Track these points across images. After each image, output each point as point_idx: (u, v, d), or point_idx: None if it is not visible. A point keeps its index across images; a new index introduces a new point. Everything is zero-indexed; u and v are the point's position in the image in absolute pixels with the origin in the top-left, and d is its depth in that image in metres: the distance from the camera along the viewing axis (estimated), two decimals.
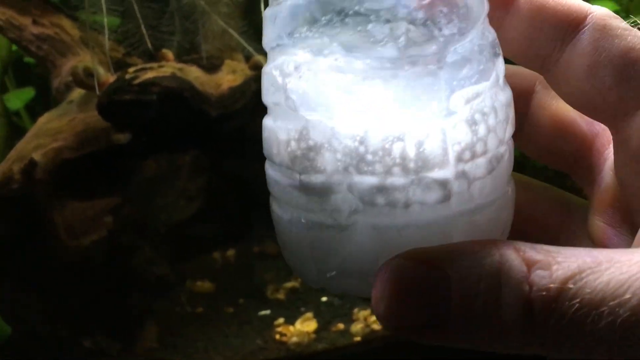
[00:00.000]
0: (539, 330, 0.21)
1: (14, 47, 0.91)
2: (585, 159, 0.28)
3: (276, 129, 0.24)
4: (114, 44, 0.76)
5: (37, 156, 0.68)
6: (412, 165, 0.23)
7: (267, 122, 0.25)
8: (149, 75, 0.69)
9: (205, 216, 0.95)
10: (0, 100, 0.88)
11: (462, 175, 0.24)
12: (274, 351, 0.90)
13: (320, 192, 0.23)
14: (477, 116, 0.24)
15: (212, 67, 0.75)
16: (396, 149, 0.23)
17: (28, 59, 0.97)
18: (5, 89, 0.96)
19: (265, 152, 0.26)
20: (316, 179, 0.23)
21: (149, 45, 0.70)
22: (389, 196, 0.23)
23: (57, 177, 0.71)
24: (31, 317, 0.80)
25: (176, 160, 0.94)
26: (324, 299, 0.97)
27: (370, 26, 0.23)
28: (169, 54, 0.74)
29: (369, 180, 0.23)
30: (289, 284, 0.98)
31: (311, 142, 0.23)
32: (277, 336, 0.91)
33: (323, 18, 0.23)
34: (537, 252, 0.22)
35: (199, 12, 0.74)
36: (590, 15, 0.26)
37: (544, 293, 0.21)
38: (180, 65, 0.74)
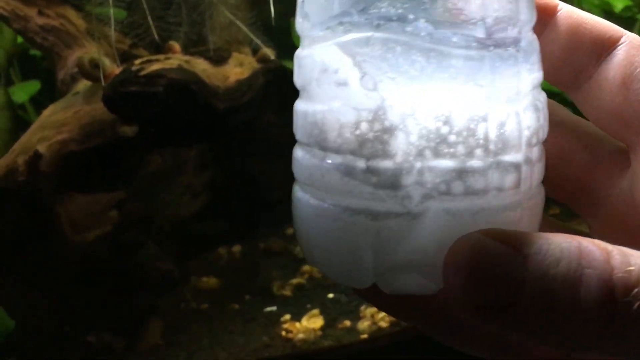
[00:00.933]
0: (619, 317, 0.21)
1: (20, 39, 0.90)
2: (586, 186, 0.28)
3: (336, 112, 0.23)
4: (120, 36, 0.75)
5: (41, 148, 0.67)
6: (492, 147, 0.23)
7: (316, 106, 0.24)
8: (156, 67, 0.68)
9: (210, 212, 0.94)
10: (6, 92, 0.87)
11: (528, 160, 0.24)
12: (280, 348, 0.89)
13: (390, 178, 0.22)
14: (538, 103, 0.24)
15: (219, 59, 0.74)
16: (480, 130, 0.22)
17: (34, 52, 0.96)
18: (10, 82, 0.95)
19: (311, 138, 0.24)
20: (386, 164, 0.22)
21: (156, 36, 0.69)
22: (467, 180, 0.22)
23: (62, 170, 0.70)
24: (35, 312, 0.79)
25: (181, 155, 0.93)
26: (331, 295, 0.96)
27: (461, 3, 0.22)
28: (175, 45, 0.73)
29: (447, 163, 0.22)
30: (295, 280, 0.97)
31: (387, 124, 0.22)
32: (283, 333, 0.90)
33: None
34: (608, 244, 0.22)
35: (206, 3, 0.73)
36: (626, 35, 0.26)
37: (625, 275, 0.21)
38: (187, 57, 0.73)
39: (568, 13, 0.27)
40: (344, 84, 0.23)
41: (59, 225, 0.73)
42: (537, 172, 0.25)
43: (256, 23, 0.79)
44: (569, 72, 0.27)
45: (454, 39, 0.22)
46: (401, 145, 0.22)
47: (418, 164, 0.22)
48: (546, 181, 0.26)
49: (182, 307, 0.91)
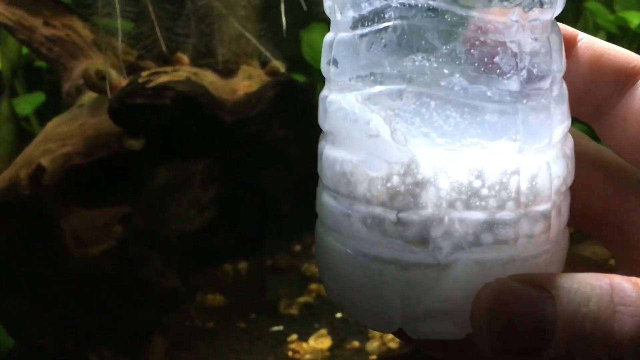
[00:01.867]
0: None
1: (25, 50, 0.89)
2: (612, 218, 0.27)
3: (367, 163, 0.23)
4: (127, 47, 0.74)
5: (45, 162, 0.65)
6: (523, 199, 0.23)
7: (345, 155, 0.24)
8: (163, 79, 0.66)
9: (217, 227, 0.92)
10: (10, 104, 0.85)
11: (557, 207, 0.24)
12: None
13: (421, 230, 0.23)
14: (567, 150, 0.24)
15: (227, 72, 0.73)
16: (513, 183, 0.23)
17: (39, 63, 0.95)
18: (15, 94, 0.94)
19: (340, 187, 0.24)
20: (417, 216, 0.23)
21: (164, 48, 0.67)
22: (497, 231, 0.23)
23: (66, 183, 0.68)
24: (36, 329, 0.77)
25: (188, 169, 0.91)
26: (339, 315, 0.94)
27: (497, 58, 0.22)
28: (183, 57, 0.71)
29: (478, 215, 0.23)
30: (303, 299, 0.95)
31: (419, 177, 0.22)
32: (290, 353, 0.88)
33: (444, 47, 0.22)
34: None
35: (215, 14, 0.71)
36: None
37: None
38: (195, 69, 0.71)
39: (589, 43, 0.27)
40: (375, 136, 0.23)
41: (62, 240, 0.71)
42: (564, 216, 0.25)
43: (266, 35, 0.78)
44: (590, 104, 0.27)
45: (489, 94, 0.22)
46: (432, 198, 0.22)
47: (448, 216, 0.22)
48: (571, 213, 0.25)
49: (186, 325, 0.89)
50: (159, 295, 0.75)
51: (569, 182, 0.25)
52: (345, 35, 0.24)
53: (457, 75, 0.22)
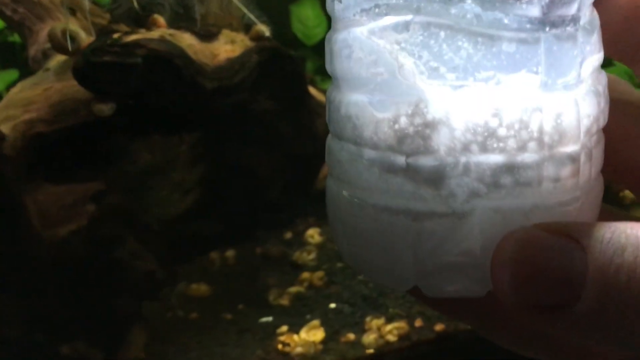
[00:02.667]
0: None
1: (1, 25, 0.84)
2: None
3: (373, 105, 0.21)
4: (100, 10, 0.68)
5: (5, 129, 0.59)
6: (547, 139, 0.21)
7: (350, 97, 0.22)
8: (134, 37, 0.60)
9: (202, 211, 0.87)
10: None
11: (587, 150, 0.22)
12: None
13: (432, 176, 0.21)
14: (599, 87, 0.23)
15: (208, 35, 0.67)
16: (534, 122, 0.21)
17: (13, 38, 0.90)
18: None
19: (346, 132, 0.22)
20: (428, 160, 0.21)
21: (135, 4, 0.61)
22: (518, 175, 0.21)
23: (30, 154, 0.62)
24: (0, 319, 0.71)
25: (171, 150, 0.86)
26: (333, 305, 0.87)
27: None
28: (160, 19, 0.66)
29: (495, 158, 0.21)
30: (294, 289, 0.89)
31: (429, 117, 0.21)
32: (280, 346, 0.82)
33: None
34: None
35: None
36: None
37: None
38: (171, 31, 0.65)
39: None
40: (380, 74, 0.21)
41: (26, 219, 0.65)
42: (596, 161, 0.23)
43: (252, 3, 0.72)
44: (631, 44, 0.25)
45: (505, 21, 0.21)
46: (444, 140, 0.21)
47: (463, 160, 0.21)
48: (608, 167, 0.24)
49: (168, 316, 0.83)
50: (135, 280, 0.69)
51: (602, 122, 0.23)
52: None
53: (469, 0, 0.21)
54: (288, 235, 0.96)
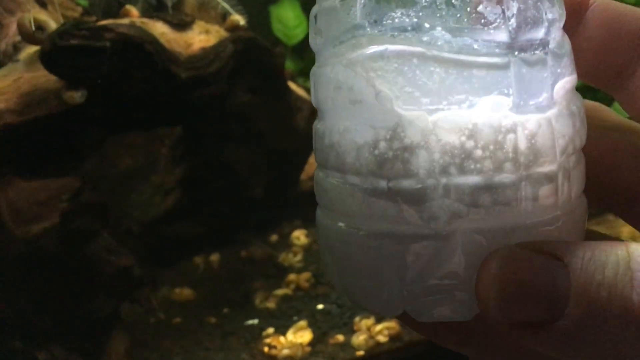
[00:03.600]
0: None
1: None
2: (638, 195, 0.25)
3: (352, 131, 0.22)
4: (72, 3, 0.67)
5: None
6: (523, 159, 0.21)
7: (332, 126, 0.23)
8: (103, 22, 0.59)
9: (184, 212, 0.85)
10: None
11: (564, 170, 0.22)
12: None
13: (414, 199, 0.21)
14: (574, 108, 0.23)
15: (181, 24, 0.66)
16: (509, 142, 0.21)
17: None
18: None
19: (330, 160, 0.23)
20: (409, 184, 0.21)
21: None
22: (497, 196, 0.21)
23: None
24: None
25: (152, 154, 0.84)
26: (320, 306, 0.85)
27: (480, 7, 0.21)
28: (132, 10, 0.65)
29: (473, 179, 0.21)
30: (281, 291, 0.87)
31: (407, 141, 0.21)
32: (266, 349, 0.80)
33: (423, 0, 0.22)
34: None
35: None
36: None
37: None
38: (143, 19, 0.64)
39: (602, 6, 0.25)
40: (359, 102, 0.22)
41: None
42: (577, 181, 0.23)
43: None
44: (609, 71, 0.25)
45: (475, 46, 0.21)
46: (423, 163, 0.21)
47: (443, 182, 0.21)
48: (594, 191, 0.24)
49: (151, 321, 0.80)
50: (111, 276, 0.67)
51: (579, 143, 0.23)
52: (326, 3, 0.23)
53: (439, 28, 0.21)
54: (274, 237, 0.94)
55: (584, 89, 0.25)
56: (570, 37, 0.24)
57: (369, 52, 0.22)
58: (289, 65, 0.95)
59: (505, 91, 0.21)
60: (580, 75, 0.24)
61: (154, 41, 0.61)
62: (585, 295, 0.19)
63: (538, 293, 0.20)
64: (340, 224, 0.23)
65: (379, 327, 0.82)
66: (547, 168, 0.22)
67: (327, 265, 0.24)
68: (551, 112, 0.22)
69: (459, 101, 0.21)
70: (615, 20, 0.25)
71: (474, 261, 0.21)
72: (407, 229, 0.22)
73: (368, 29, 0.22)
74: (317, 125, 0.24)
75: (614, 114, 0.26)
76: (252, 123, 0.78)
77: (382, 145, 0.21)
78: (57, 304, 0.70)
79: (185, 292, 0.84)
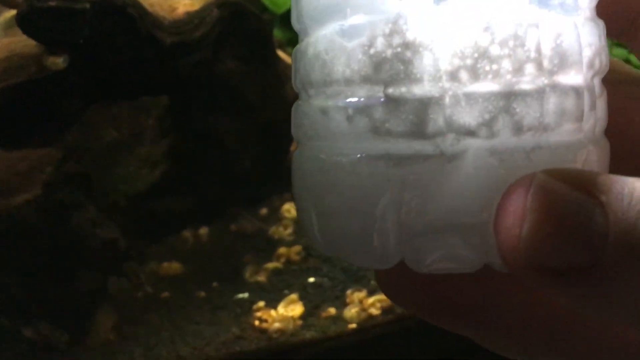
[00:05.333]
0: None
1: None
2: None
3: (343, 34, 0.19)
4: None
5: None
6: (546, 63, 0.18)
7: (320, 32, 0.20)
8: None
9: (171, 185, 0.83)
10: None
11: (590, 88, 0.20)
12: (253, 340, 0.77)
13: (416, 109, 0.18)
14: (599, 22, 0.20)
15: None
16: (531, 39, 0.18)
17: None
18: None
19: (314, 76, 0.19)
20: (411, 91, 0.18)
21: None
22: (517, 107, 0.18)
23: None
24: None
25: (139, 125, 0.82)
26: (312, 279, 0.84)
27: None
28: None
29: (489, 86, 0.18)
30: (271, 265, 0.85)
31: (410, 36, 0.18)
32: (257, 322, 0.78)
33: None
34: None
35: None
36: None
37: None
38: None
39: None
40: None
41: None
42: (601, 112, 0.20)
43: None
44: (622, 20, 0.23)
45: None
46: (428, 64, 0.18)
47: (452, 89, 0.18)
48: (615, 154, 0.21)
49: (138, 296, 0.79)
50: (96, 250, 0.65)
51: (605, 62, 0.20)
52: None
53: None
54: (264, 211, 0.93)
55: None
56: None
57: None
58: (277, 33, 0.93)
59: None
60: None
61: (136, 4, 0.59)
62: (626, 241, 0.17)
63: (577, 234, 0.17)
64: (323, 155, 0.20)
65: (371, 299, 0.81)
66: (574, 79, 0.19)
67: (305, 217, 0.21)
68: (577, 17, 0.20)
69: None
70: None
71: (487, 188, 0.18)
72: (407, 147, 0.18)
73: None
74: (298, 47, 0.20)
75: (627, 67, 0.24)
76: (240, 92, 0.76)
77: (380, 42, 0.18)
78: (41, 278, 0.69)
79: (173, 267, 0.83)
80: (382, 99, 0.18)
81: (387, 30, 0.18)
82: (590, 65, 0.20)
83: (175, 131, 0.80)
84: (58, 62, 0.56)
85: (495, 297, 0.21)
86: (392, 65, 0.18)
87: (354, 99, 0.19)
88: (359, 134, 0.19)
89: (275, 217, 0.93)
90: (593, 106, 0.20)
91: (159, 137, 0.83)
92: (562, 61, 0.19)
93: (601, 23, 0.21)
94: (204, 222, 0.87)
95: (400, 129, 0.18)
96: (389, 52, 0.18)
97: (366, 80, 0.18)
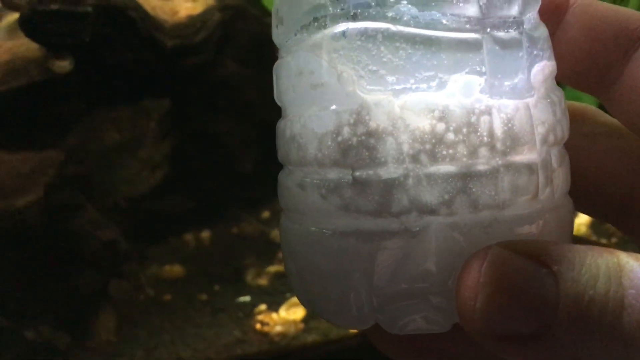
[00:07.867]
0: None
1: None
2: (632, 203, 0.24)
3: (314, 119, 0.20)
4: None
5: None
6: (499, 145, 0.20)
7: (293, 117, 0.21)
8: None
9: (172, 188, 0.83)
10: None
11: (546, 162, 0.21)
12: (254, 344, 0.77)
13: (381, 191, 0.19)
14: (554, 97, 0.21)
15: None
16: (483, 125, 0.19)
17: None
18: None
19: (291, 156, 0.21)
20: (376, 174, 0.19)
21: None
22: (473, 186, 0.19)
23: None
24: None
25: (140, 127, 0.82)
26: None
27: None
28: None
29: (447, 168, 0.19)
30: (273, 268, 0.85)
31: (372, 125, 0.19)
32: (258, 326, 0.78)
33: None
34: None
35: None
36: None
37: None
38: None
39: (583, 7, 0.24)
40: (320, 85, 0.20)
41: None
42: (561, 177, 0.21)
43: None
44: (593, 74, 0.24)
45: (443, 21, 0.20)
46: (391, 150, 0.19)
47: (413, 172, 0.19)
48: (585, 198, 0.23)
49: (140, 298, 0.79)
50: (97, 251, 0.65)
51: (560, 134, 0.21)
52: None
53: (405, 2, 0.20)
54: (265, 214, 0.93)
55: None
56: (551, 39, 0.23)
57: (330, 32, 0.20)
58: None
59: (478, 69, 0.20)
60: (562, 79, 0.23)
61: (137, 8, 0.59)
62: (575, 311, 0.18)
63: (528, 304, 0.18)
64: (302, 225, 0.21)
65: None
66: (527, 157, 0.20)
67: (291, 275, 0.22)
68: (529, 98, 0.21)
69: (427, 79, 0.20)
70: (598, 21, 0.24)
71: (449, 260, 0.20)
72: (374, 225, 0.20)
73: (330, 8, 0.20)
74: (281, 123, 0.22)
75: (603, 115, 0.25)
76: (241, 95, 0.76)
77: (346, 131, 0.20)
78: (43, 279, 0.69)
79: (175, 269, 0.83)
80: (350, 181, 0.20)
81: (352, 120, 0.19)
82: (544, 141, 0.20)
83: (176, 133, 0.80)
84: (64, 65, 0.56)
85: (469, 349, 0.22)
86: (357, 152, 0.19)
87: (326, 180, 0.20)
88: (332, 211, 0.20)
89: (277, 219, 0.92)
90: (549, 177, 0.21)
91: (160, 140, 0.83)
92: (514, 142, 0.20)
93: (559, 93, 0.22)
94: (205, 224, 0.87)
95: (368, 208, 0.20)
96: (354, 140, 0.19)
97: (336, 163, 0.20)
